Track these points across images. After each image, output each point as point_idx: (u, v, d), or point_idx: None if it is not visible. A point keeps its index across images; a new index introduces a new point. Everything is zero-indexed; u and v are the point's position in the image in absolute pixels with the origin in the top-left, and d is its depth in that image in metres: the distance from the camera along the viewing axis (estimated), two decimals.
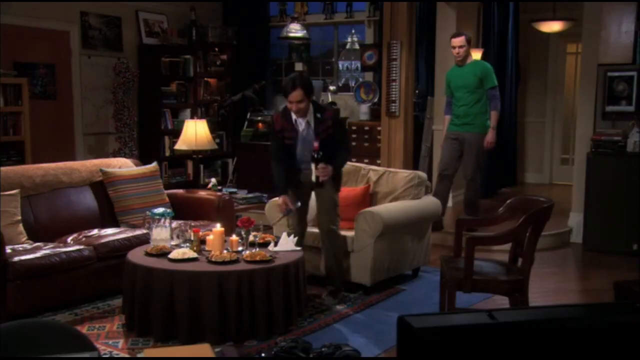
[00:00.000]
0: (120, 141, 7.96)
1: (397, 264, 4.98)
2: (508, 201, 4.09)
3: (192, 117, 8.71)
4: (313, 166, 4.36)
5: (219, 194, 5.74)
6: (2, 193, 4.70)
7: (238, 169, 8.66)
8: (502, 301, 4.36)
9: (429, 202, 5.26)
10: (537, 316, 1.64)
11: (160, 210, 4.50)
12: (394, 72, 6.62)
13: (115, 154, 7.87)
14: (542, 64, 9.88)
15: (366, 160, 7.89)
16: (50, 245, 4.63)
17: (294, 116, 4.43)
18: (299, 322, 4.23)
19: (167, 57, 8.44)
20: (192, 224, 5.17)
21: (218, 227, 4.27)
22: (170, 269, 3.92)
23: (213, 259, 4.04)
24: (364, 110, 8.50)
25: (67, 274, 4.46)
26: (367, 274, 4.74)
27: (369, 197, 5.23)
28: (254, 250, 4.20)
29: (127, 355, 3.75)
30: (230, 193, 6.12)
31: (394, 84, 6.65)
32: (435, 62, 8.06)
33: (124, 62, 7.90)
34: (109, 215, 5.39)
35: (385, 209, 4.87)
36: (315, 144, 4.30)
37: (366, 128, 8.24)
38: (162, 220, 4.45)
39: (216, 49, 9.10)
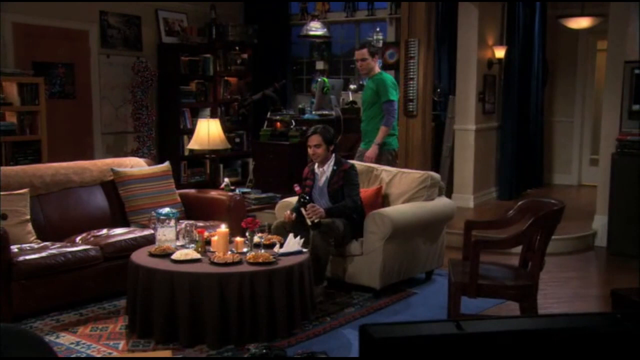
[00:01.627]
0: (139, 140, 8.00)
1: (408, 267, 4.90)
2: (519, 203, 3.99)
3: (212, 117, 8.75)
4: (303, 210, 4.52)
5: (230, 194, 5.72)
6: (11, 192, 4.74)
7: (257, 169, 8.63)
8: (515, 307, 4.26)
9: (442, 203, 5.16)
10: (509, 327, 1.56)
11: (165, 210, 4.48)
12: (411, 70, 6.54)
13: (133, 154, 7.92)
14: (571, 62, 9.66)
15: None
16: (58, 244, 4.65)
17: (316, 168, 4.85)
18: (304, 325, 4.17)
19: (186, 56, 8.47)
20: (201, 224, 5.16)
21: (223, 228, 4.24)
22: (171, 270, 3.91)
23: (215, 260, 4.01)
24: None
25: (72, 273, 4.47)
26: (376, 277, 4.67)
27: (381, 199, 5.16)
28: (260, 252, 4.17)
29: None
30: (243, 193, 6.10)
31: (411, 82, 6.56)
32: (457, 60, 7.95)
33: (143, 62, 7.94)
34: (119, 215, 5.40)
35: (395, 210, 4.79)
36: (297, 188, 4.56)
37: None
38: (168, 220, 4.43)
39: (236, 48, 9.12)
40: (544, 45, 9.06)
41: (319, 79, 7.84)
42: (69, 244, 4.68)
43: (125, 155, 7.80)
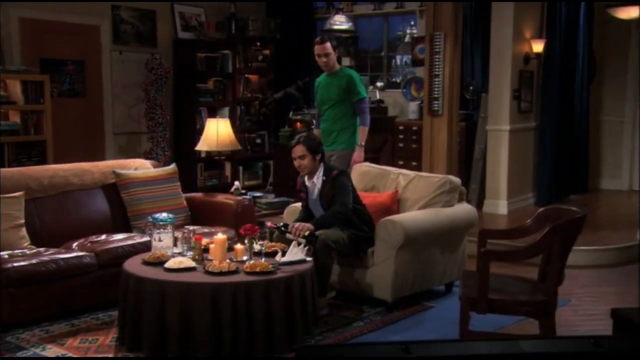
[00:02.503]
0: (153, 141, 8.04)
1: (424, 279, 4.80)
2: (538, 211, 3.87)
3: (230, 116, 8.76)
4: (290, 236, 4.42)
5: (239, 198, 5.69)
6: (4, 195, 4.78)
7: (277, 171, 8.62)
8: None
9: (462, 210, 5.05)
10: (464, 351, 1.47)
11: (163, 215, 4.46)
12: (437, 66, 6.44)
13: (146, 155, 7.97)
14: (621, 56, 9.35)
15: (414, 164, 7.72)
16: (52, 251, 4.66)
17: (306, 181, 4.77)
18: (306, 340, 4.10)
19: (203, 52, 8.49)
20: (206, 230, 5.14)
21: (220, 235, 4.20)
22: (161, 279, 3.88)
23: (210, 269, 3.97)
24: (412, 109, 8.31)
25: (65, 282, 4.47)
26: (387, 289, 4.59)
27: (397, 204, 5.07)
28: (261, 260, 4.12)
29: None
30: (255, 197, 6.07)
31: (437, 79, 6.46)
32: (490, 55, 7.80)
33: (157, 58, 7.98)
34: (121, 220, 5.41)
35: (408, 217, 4.70)
36: (269, 224, 4.54)
37: (414, 128, 8.05)
38: (165, 226, 4.42)
39: (257, 44, 9.11)
40: (590, 38, 8.81)
41: None
42: (63, 250, 4.69)
43: (138, 156, 7.84)
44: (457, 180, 5.06)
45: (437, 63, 6.46)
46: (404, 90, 8.67)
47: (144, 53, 8.10)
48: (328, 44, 5.73)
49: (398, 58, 9.15)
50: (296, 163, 4.73)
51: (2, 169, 5.09)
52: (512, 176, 7.78)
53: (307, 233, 4.35)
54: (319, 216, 4.63)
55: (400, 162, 8.21)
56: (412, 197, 5.05)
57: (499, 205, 7.74)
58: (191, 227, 5.40)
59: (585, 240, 6.31)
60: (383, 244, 4.58)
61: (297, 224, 4.42)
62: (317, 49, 5.78)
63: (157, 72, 7.92)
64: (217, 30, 8.68)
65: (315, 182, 4.74)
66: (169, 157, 8.11)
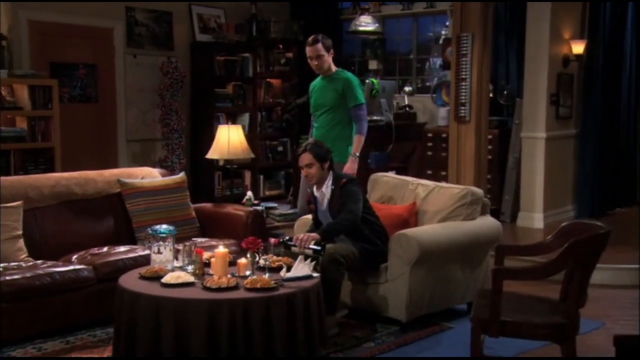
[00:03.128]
0: (167, 149, 8.06)
1: (442, 297, 4.70)
2: (561, 225, 3.75)
3: (250, 123, 8.77)
4: (295, 249, 4.35)
5: (249, 209, 5.65)
6: (3, 204, 4.81)
7: (298, 180, 8.56)
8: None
9: (485, 224, 4.94)
10: None
11: (163, 227, 4.44)
12: (464, 69, 6.35)
13: (161, 163, 8.00)
14: None
15: (443, 173, 7.61)
16: (49, 263, 4.67)
17: (315, 191, 4.72)
18: None
19: (222, 55, 8.51)
20: (214, 242, 5.12)
21: (221, 249, 4.16)
22: (156, 295, 3.83)
23: (208, 285, 3.93)
24: (442, 115, 8.20)
25: (61, 296, 4.47)
26: (402, 307, 4.50)
27: (415, 217, 4.98)
28: (264, 276, 4.07)
29: None
30: (267, 208, 6.04)
31: (463, 83, 6.36)
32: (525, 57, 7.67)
33: (173, 62, 8.01)
34: (126, 231, 5.41)
35: (424, 230, 4.62)
36: (273, 240, 4.40)
37: (444, 135, 7.93)
38: (165, 238, 4.39)
39: (280, 46, 9.11)
40: (638, 39, 8.58)
41: (367, 81, 7.71)
42: (60, 263, 4.70)
43: (153, 165, 7.87)
44: (479, 191, 4.95)
45: (464, 66, 6.36)
46: (434, 95, 8.57)
47: (160, 56, 8.14)
48: (320, 45, 5.54)
49: (432, 61, 9.05)
50: (303, 172, 4.68)
51: (2, 178, 5.12)
52: (549, 187, 7.62)
53: (312, 243, 4.28)
54: (324, 226, 4.56)
55: (429, 172, 8.13)
56: (431, 209, 4.96)
57: (535, 219, 7.58)
58: (199, 239, 5.44)
59: (626, 257, 6.13)
60: (397, 259, 4.49)
61: (301, 235, 4.35)
62: (308, 50, 5.62)
63: (172, 76, 7.95)
64: (237, 32, 8.69)
65: (324, 192, 4.67)
66: (184, 165, 8.13)
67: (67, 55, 7.49)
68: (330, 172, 4.69)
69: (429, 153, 8.19)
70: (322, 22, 9.30)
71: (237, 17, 8.86)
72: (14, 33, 7.02)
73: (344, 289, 4.64)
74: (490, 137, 7.77)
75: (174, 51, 8.32)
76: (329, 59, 5.62)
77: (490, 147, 7.78)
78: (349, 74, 5.72)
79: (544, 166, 7.55)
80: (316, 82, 5.85)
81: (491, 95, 8.11)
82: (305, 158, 4.63)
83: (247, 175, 8.78)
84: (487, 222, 4.98)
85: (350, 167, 5.48)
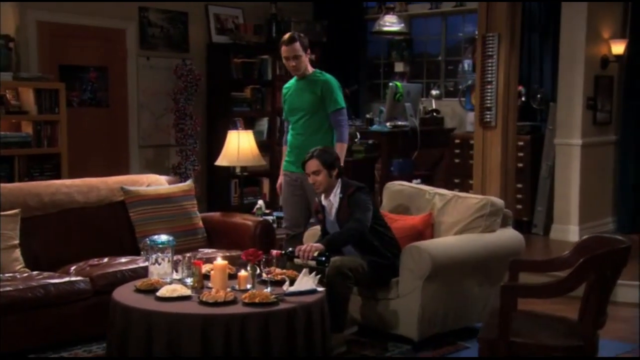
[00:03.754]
0: (182, 155, 8.08)
1: (457, 314, 4.62)
2: (582, 239, 3.65)
3: (269, 128, 8.76)
4: (298, 260, 4.29)
5: (259, 218, 5.62)
6: (0, 213, 4.84)
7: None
8: None
9: (506, 236, 4.85)
10: None
11: (162, 237, 4.43)
12: (489, 71, 6.27)
13: (175, 170, 8.01)
14: None
15: (472, 182, 7.50)
16: (45, 274, 4.68)
17: (323, 200, 4.69)
18: None
19: (240, 57, 8.50)
20: (220, 254, 5.06)
21: (219, 261, 4.13)
22: (149, 309, 3.82)
23: (204, 299, 3.90)
24: (471, 120, 8.09)
25: (55, 309, 4.47)
26: (414, 325, 4.43)
27: (431, 229, 4.91)
28: (265, 290, 4.03)
29: None
30: (279, 218, 5.99)
31: (489, 87, 6.27)
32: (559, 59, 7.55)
33: (187, 64, 8.03)
34: (129, 241, 5.41)
35: (438, 243, 4.56)
36: (275, 252, 4.26)
37: (472, 142, 7.80)
38: (164, 249, 4.38)
39: None
40: None
41: (391, 84, 7.65)
42: (56, 275, 4.70)
43: (166, 172, 7.90)
44: (499, 202, 4.86)
45: (489, 68, 6.28)
46: (463, 99, 8.47)
47: (174, 58, 8.16)
48: (297, 44, 5.30)
49: (466, 63, 8.95)
50: (310, 180, 4.65)
51: (0, 185, 5.16)
52: (586, 198, 7.47)
53: (316, 254, 4.23)
54: (328, 235, 4.50)
55: (456, 180, 8.03)
56: (448, 220, 4.88)
57: (569, 232, 7.43)
58: (205, 250, 5.42)
59: None
60: (408, 274, 4.43)
61: (304, 246, 4.31)
62: (284, 50, 5.35)
63: (186, 79, 7.96)
64: (256, 33, 8.68)
65: (332, 201, 4.63)
66: (198, 172, 8.14)
67: (77, 57, 7.54)
68: (339, 180, 4.63)
69: (457, 160, 8.09)
70: (346, 23, 9.29)
71: (256, 17, 8.86)
72: (21, 34, 7.08)
73: (353, 304, 4.59)
74: (521, 143, 7.69)
75: (189, 53, 8.34)
76: (306, 59, 5.39)
77: (521, 154, 7.70)
78: (329, 76, 5.47)
79: (580, 175, 7.39)
80: (291, 85, 5.59)
81: (523, 99, 8.03)
82: (312, 165, 4.59)
83: (266, 183, 8.75)
84: (507, 235, 4.88)
85: None
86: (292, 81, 5.59)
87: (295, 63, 5.35)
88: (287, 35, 5.43)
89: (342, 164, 5.05)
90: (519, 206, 7.80)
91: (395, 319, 4.52)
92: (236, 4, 8.78)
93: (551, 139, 7.68)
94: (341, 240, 4.45)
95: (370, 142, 7.56)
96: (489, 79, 6.31)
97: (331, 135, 5.39)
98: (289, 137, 5.58)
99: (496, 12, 6.27)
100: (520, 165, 7.75)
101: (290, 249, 4.42)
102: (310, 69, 5.47)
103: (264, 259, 4.16)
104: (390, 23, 8.32)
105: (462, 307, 4.65)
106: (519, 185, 7.75)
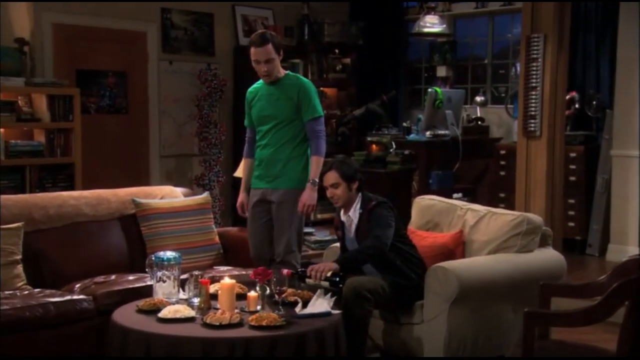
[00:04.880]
0: (205, 165, 8.12)
1: (489, 341, 4.51)
2: (623, 261, 3.55)
3: None
4: (310, 280, 4.23)
5: None
6: (2, 226, 4.89)
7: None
8: None
9: (544, 257, 4.74)
10: None
11: (168, 254, 4.44)
12: (534, 76, 6.16)
13: (197, 181, 8.06)
14: None
15: None
16: (46, 292, 4.70)
17: (342, 215, 4.65)
18: None
19: None
20: (235, 272, 5.07)
21: (227, 280, 4.12)
22: (148, 331, 3.82)
23: (207, 321, 3.89)
24: (517, 129, 7.98)
25: (55, 330, 4.46)
26: (439, 352, 4.34)
27: (462, 247, 4.83)
28: (277, 311, 4.01)
29: None
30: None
31: (533, 93, 6.17)
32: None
33: (212, 69, 8.08)
34: (140, 257, 5.40)
35: (466, 264, 4.47)
36: (285, 271, 4.21)
37: None
38: (170, 267, 4.39)
39: (336, 51, 9.11)
40: None
41: (430, 90, 7.60)
42: (58, 293, 4.73)
43: (189, 183, 7.95)
44: (537, 219, 4.76)
45: (534, 72, 6.18)
46: (511, 107, 8.36)
47: (199, 63, 8.24)
48: (270, 46, 4.91)
49: (518, 67, 8.85)
50: (328, 193, 4.62)
51: (2, 196, 5.22)
52: None
53: (329, 274, 4.19)
54: (344, 254, 4.46)
55: (502, 195, 7.93)
56: (480, 238, 4.79)
57: (628, 252, 7.21)
58: (221, 268, 5.42)
59: None
60: (434, 297, 4.35)
61: (317, 265, 4.27)
62: (254, 53, 4.97)
63: (210, 84, 8.01)
64: (286, 35, 8.73)
65: (352, 217, 4.59)
66: (223, 183, 8.16)
67: (95, 62, 7.66)
68: (359, 195, 4.60)
69: (502, 173, 7.98)
70: (384, 24, 9.28)
71: (287, 18, 8.90)
72: (36, 38, 7.21)
73: (374, 328, 4.54)
74: (574, 155, 7.58)
75: (215, 57, 8.41)
76: (279, 62, 5.06)
77: (573, 166, 7.58)
78: (304, 79, 5.17)
79: (639, 190, 7.24)
80: (258, 89, 5.19)
81: (577, 106, 7.90)
82: (331, 177, 4.56)
83: None
84: (546, 256, 4.78)
85: (310, 196, 5.01)
86: (258, 84, 5.21)
87: (267, 68, 4.94)
88: (257, 36, 5.04)
89: (317, 180, 4.95)
90: (572, 224, 7.67)
91: (420, 345, 4.44)
92: (265, 4, 8.82)
93: (607, 149, 7.56)
94: (358, 260, 4.41)
95: (406, 152, 7.49)
96: (533, 84, 6.21)
97: (306, 147, 5.09)
98: (256, 149, 5.28)
99: (542, 11, 6.18)
100: (573, 178, 7.62)
101: (301, 268, 4.38)
102: (282, 72, 5.10)
103: (274, 279, 4.15)
104: (432, 24, 8.28)
105: (494, 335, 4.55)
106: (571, 201, 7.62)
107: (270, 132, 5.10)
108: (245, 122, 5.40)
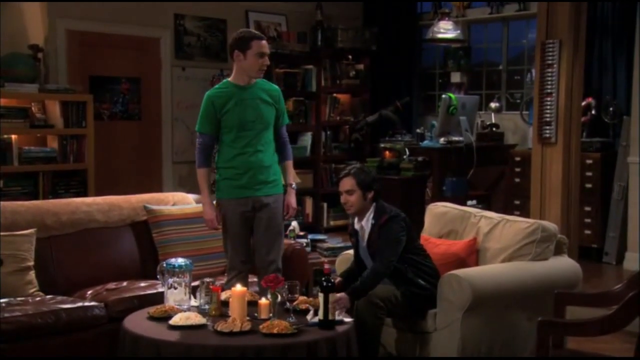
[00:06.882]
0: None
1: (503, 350, 4.50)
2: (638, 270, 3.51)
3: (314, 143, 8.77)
4: (321, 297, 4.02)
5: (291, 241, 5.60)
6: (13, 232, 4.90)
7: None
8: None
9: (559, 265, 4.72)
10: None
11: (179, 260, 4.44)
12: (549, 82, 6.12)
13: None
14: None
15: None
16: (58, 299, 4.71)
17: (356, 223, 4.64)
18: None
19: (282, 67, 8.58)
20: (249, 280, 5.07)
21: (238, 287, 4.12)
22: (158, 339, 3.82)
23: (219, 329, 3.89)
24: (532, 135, 7.95)
25: (65, 337, 4.49)
26: None
27: (475, 255, 4.81)
28: (289, 320, 4.01)
29: None
30: (314, 241, 5.97)
31: (549, 99, 6.14)
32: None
33: (225, 74, 8.09)
34: (152, 264, 5.41)
35: (480, 271, 4.46)
36: (327, 266, 4.18)
37: None
38: (181, 274, 4.40)
39: (349, 57, 9.10)
40: None
41: (444, 96, 7.58)
42: (70, 300, 4.74)
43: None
44: (552, 226, 4.73)
45: (549, 78, 6.14)
46: (526, 113, 8.33)
47: (212, 69, 8.27)
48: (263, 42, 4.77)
49: (534, 73, 8.82)
50: (342, 199, 4.60)
51: (16, 203, 5.26)
52: None
53: (343, 312, 4.19)
54: (353, 285, 4.39)
55: (517, 202, 7.89)
56: (494, 246, 4.77)
57: None
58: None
59: None
60: (447, 305, 4.34)
61: (343, 297, 4.22)
62: (263, 45, 4.70)
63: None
64: (299, 41, 8.74)
65: (365, 226, 4.58)
66: None
67: (108, 68, 7.69)
68: (374, 204, 4.58)
69: (517, 180, 7.94)
70: (398, 29, 9.26)
71: (300, 24, 8.91)
72: (50, 44, 7.25)
73: (388, 337, 4.54)
74: (590, 162, 7.54)
75: (228, 63, 8.38)
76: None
77: (589, 173, 7.54)
78: (273, 84, 5.05)
79: None
80: (226, 91, 4.80)
81: (593, 112, 7.86)
82: (347, 183, 4.54)
83: (309, 202, 8.74)
84: (561, 264, 4.75)
85: (293, 200, 5.00)
86: (225, 87, 4.84)
87: (268, 61, 4.79)
88: (252, 31, 4.98)
89: (294, 184, 5.00)
90: (588, 231, 7.62)
91: (433, 354, 4.43)
92: (279, 9, 8.84)
93: (624, 156, 7.52)
94: (367, 287, 4.35)
95: (420, 159, 7.47)
96: (549, 90, 6.17)
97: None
98: (228, 156, 4.96)
99: (557, 16, 6.14)
100: (589, 186, 7.57)
101: (329, 281, 4.08)
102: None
103: (286, 286, 4.14)
104: (446, 30, 8.27)
105: (509, 343, 4.53)
106: (588, 209, 7.58)
107: (257, 138, 4.80)
108: (203, 129, 4.90)
